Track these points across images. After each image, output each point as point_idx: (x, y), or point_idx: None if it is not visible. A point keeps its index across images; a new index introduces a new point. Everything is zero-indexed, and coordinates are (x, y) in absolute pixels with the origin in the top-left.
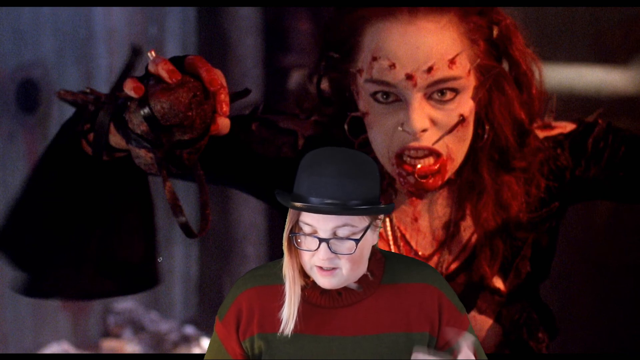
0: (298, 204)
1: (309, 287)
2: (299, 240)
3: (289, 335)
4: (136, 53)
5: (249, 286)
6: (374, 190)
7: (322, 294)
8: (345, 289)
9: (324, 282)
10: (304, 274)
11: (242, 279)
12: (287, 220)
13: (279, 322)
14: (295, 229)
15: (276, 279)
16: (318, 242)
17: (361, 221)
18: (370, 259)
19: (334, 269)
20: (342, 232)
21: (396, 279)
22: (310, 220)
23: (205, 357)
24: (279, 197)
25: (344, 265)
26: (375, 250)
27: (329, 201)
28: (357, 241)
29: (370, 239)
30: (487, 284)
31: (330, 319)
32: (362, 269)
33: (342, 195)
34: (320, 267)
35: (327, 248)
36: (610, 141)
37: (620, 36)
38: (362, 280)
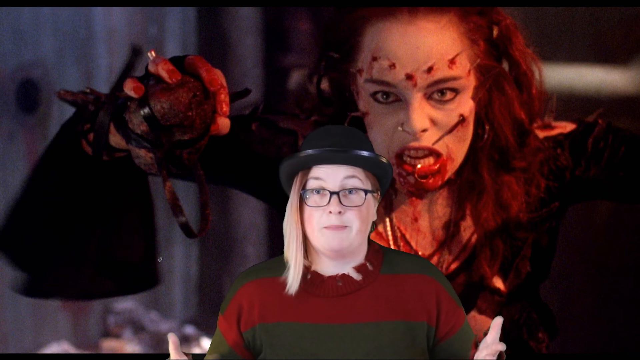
0: (310, 151)
1: (309, 276)
2: (307, 197)
3: (290, 324)
4: (136, 53)
5: (250, 279)
6: (372, 150)
7: (322, 283)
8: (345, 277)
9: (334, 238)
10: (306, 260)
11: (242, 274)
12: (295, 185)
13: (280, 311)
14: (305, 188)
15: (277, 272)
16: (329, 196)
17: (366, 180)
18: (368, 250)
19: (344, 227)
20: (350, 183)
21: (394, 270)
22: (319, 173)
23: (207, 354)
24: (285, 163)
25: (354, 222)
26: (372, 242)
27: (336, 148)
28: (365, 191)
29: (372, 206)
30: (487, 284)
31: (330, 308)
32: (364, 237)
33: (347, 144)
34: (330, 225)
35: (338, 201)
36: (610, 141)
37: (620, 36)
38: (361, 269)
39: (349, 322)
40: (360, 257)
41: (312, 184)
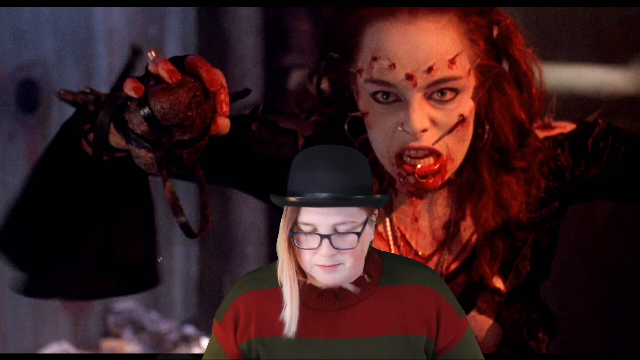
0: (297, 199)
1: (306, 289)
2: (298, 240)
3: (287, 339)
4: (136, 53)
5: (247, 289)
6: (367, 180)
7: (318, 297)
8: (342, 290)
9: (327, 278)
10: (301, 274)
11: (240, 282)
12: (284, 221)
13: (277, 325)
14: (294, 229)
15: (274, 283)
16: (319, 239)
17: (360, 215)
18: (367, 261)
19: (337, 264)
20: (342, 228)
21: (393, 281)
22: (310, 219)
23: (203, 358)
24: (274, 200)
25: (347, 261)
26: (372, 251)
27: (326, 195)
28: (358, 234)
29: (369, 233)
30: (487, 284)
31: (327, 322)
32: (361, 266)
33: (338, 187)
34: (322, 265)
35: (329, 244)
36: (610, 141)
37: (620, 36)
38: (359, 282)
39: (347, 337)
40: (358, 273)
41: (302, 227)
